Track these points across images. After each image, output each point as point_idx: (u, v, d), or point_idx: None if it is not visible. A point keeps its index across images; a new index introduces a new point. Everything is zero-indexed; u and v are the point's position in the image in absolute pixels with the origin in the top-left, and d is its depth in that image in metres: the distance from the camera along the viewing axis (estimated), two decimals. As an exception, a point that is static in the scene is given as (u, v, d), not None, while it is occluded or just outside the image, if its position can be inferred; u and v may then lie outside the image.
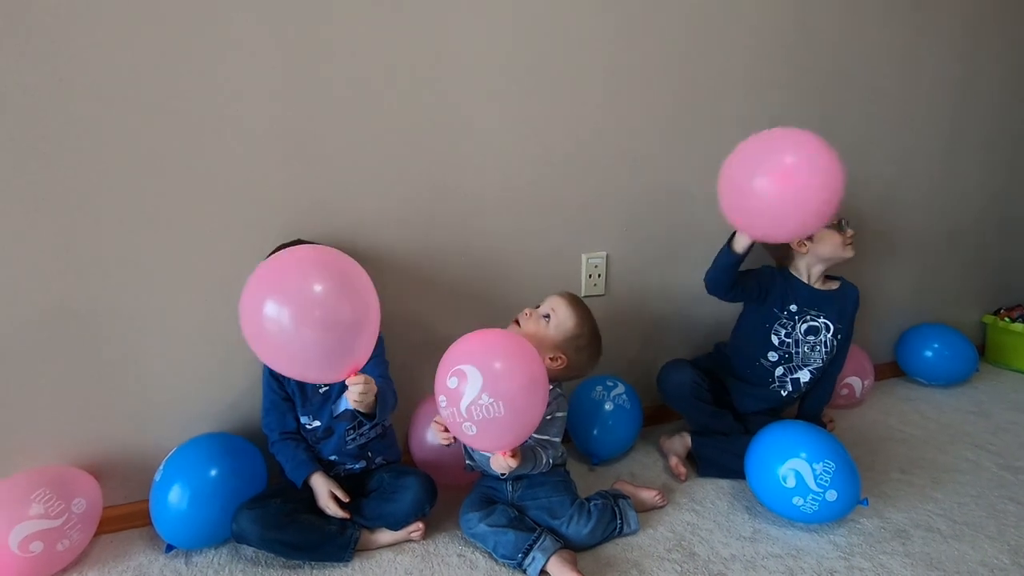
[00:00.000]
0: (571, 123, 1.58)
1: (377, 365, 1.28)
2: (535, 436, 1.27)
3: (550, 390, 1.34)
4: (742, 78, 1.76)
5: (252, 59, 1.26)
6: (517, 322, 1.34)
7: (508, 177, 1.53)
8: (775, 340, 1.59)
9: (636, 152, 1.67)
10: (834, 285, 1.65)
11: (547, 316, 1.33)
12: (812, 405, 1.66)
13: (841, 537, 1.31)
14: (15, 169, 1.14)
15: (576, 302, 1.37)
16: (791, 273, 1.64)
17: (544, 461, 1.25)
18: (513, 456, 1.12)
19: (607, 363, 1.71)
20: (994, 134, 2.25)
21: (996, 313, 2.38)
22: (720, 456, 1.53)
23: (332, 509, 1.22)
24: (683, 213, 1.76)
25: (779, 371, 1.60)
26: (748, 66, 1.76)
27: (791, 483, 1.28)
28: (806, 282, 1.62)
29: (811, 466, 1.27)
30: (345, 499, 1.23)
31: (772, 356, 1.60)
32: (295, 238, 1.31)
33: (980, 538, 1.31)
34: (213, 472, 1.22)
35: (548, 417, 1.31)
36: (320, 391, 1.30)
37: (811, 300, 1.60)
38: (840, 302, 1.62)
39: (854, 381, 1.93)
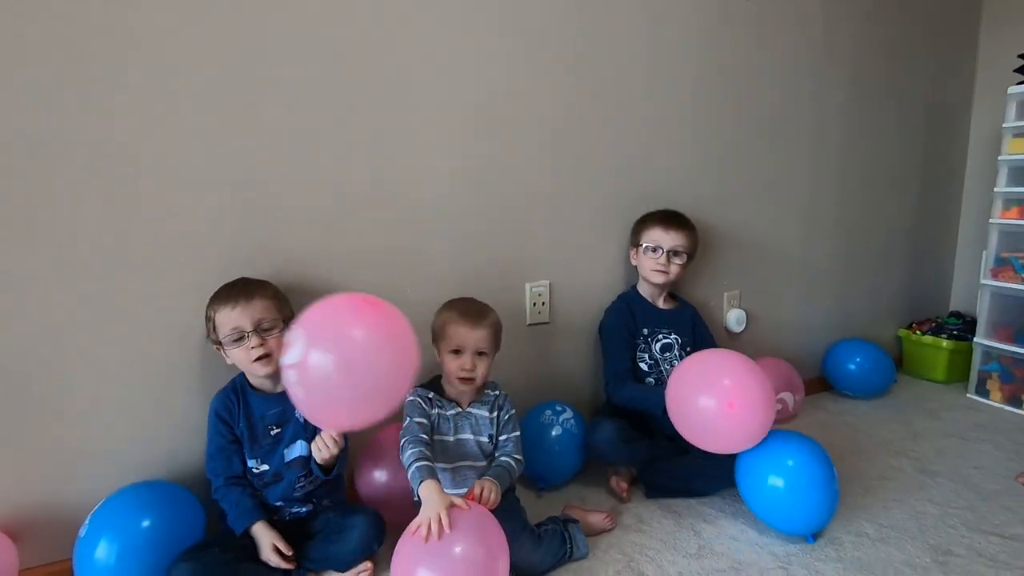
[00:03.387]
0: (515, 154, 1.63)
1: None
2: (512, 455, 1.35)
3: (493, 392, 1.41)
4: (686, 123, 1.88)
5: (189, 97, 1.25)
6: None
7: (450, 208, 1.56)
8: (644, 367, 1.71)
9: (578, 183, 1.74)
10: (675, 304, 1.81)
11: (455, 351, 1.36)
12: None
13: (780, 547, 1.37)
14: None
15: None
16: (638, 294, 1.78)
17: (516, 472, 1.34)
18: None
19: (555, 389, 1.75)
20: (899, 170, 2.48)
21: (909, 327, 2.57)
22: (665, 478, 1.58)
23: (275, 561, 1.17)
24: (624, 242, 1.83)
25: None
26: (692, 111, 1.89)
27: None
28: (651, 303, 1.77)
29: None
30: (288, 552, 1.19)
31: (650, 380, 1.71)
32: (238, 277, 1.28)
33: (904, 540, 1.39)
34: (145, 523, 1.15)
35: (506, 416, 1.39)
36: (272, 434, 1.26)
37: (658, 320, 1.75)
38: (683, 319, 1.78)
39: (787, 396, 2.04)
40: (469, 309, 1.37)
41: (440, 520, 1.06)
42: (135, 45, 1.19)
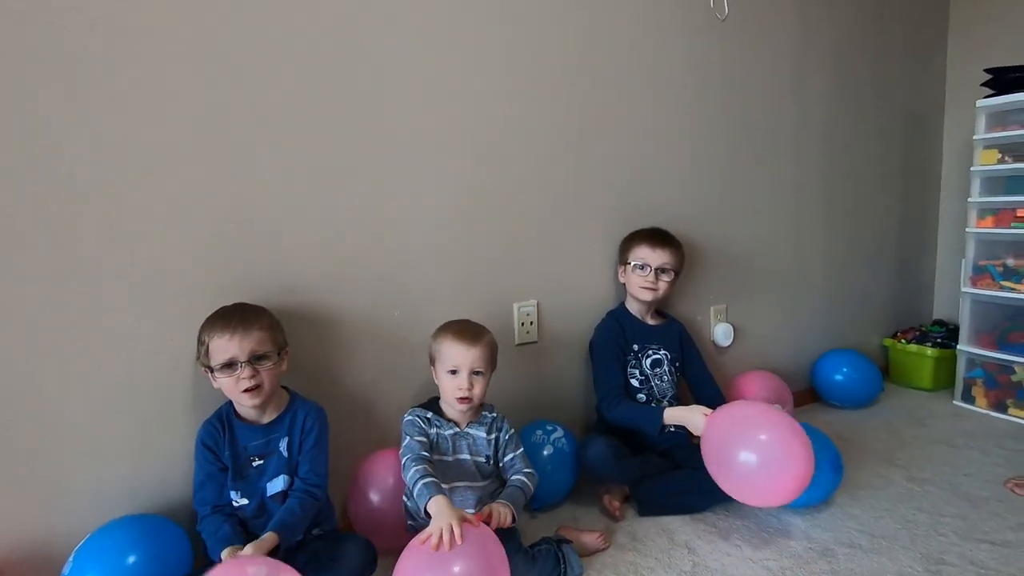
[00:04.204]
0: (499, 175, 1.65)
1: (314, 457, 1.27)
2: (522, 472, 1.37)
3: (491, 414, 1.43)
4: (670, 135, 1.92)
5: (182, 124, 1.25)
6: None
7: (436, 229, 1.57)
8: (635, 383, 1.72)
9: (564, 203, 1.76)
10: (662, 320, 1.84)
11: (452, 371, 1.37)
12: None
13: (774, 562, 1.37)
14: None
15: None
16: (627, 311, 1.80)
17: (531, 487, 1.36)
18: None
19: (545, 408, 1.75)
20: (881, 179, 2.53)
21: (894, 336, 2.61)
22: (658, 495, 1.58)
23: None
24: (611, 260, 1.85)
25: (654, 405, 1.72)
26: (676, 130, 1.93)
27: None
28: (640, 319, 1.79)
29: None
30: None
31: (641, 396, 1.72)
32: (233, 302, 1.27)
33: (895, 549, 1.40)
34: (131, 559, 1.13)
35: (506, 436, 1.41)
36: (254, 465, 1.25)
37: (647, 336, 1.77)
38: (670, 334, 1.81)
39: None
40: (465, 329, 1.39)
41: (451, 530, 1.06)
42: (128, 71, 1.20)
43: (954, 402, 2.33)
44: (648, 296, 1.73)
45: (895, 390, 2.50)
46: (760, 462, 1.35)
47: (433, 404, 1.42)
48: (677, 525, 1.53)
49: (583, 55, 1.76)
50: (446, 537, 1.06)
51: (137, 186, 1.23)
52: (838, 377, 2.29)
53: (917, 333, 2.57)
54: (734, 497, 1.44)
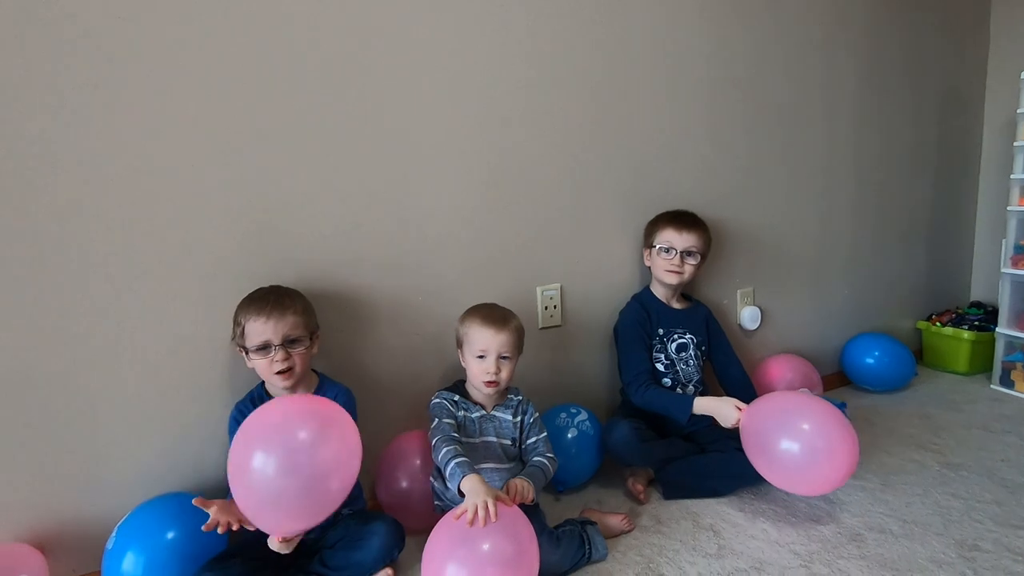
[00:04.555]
0: (525, 157, 1.64)
1: None
2: (544, 455, 1.38)
3: (516, 397, 1.44)
4: (694, 121, 1.88)
5: (210, 114, 1.28)
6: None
7: (461, 212, 1.58)
8: (660, 367, 1.70)
9: (587, 184, 1.74)
10: (687, 303, 1.81)
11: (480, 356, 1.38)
12: (743, 394, 1.70)
13: (801, 546, 1.36)
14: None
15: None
16: (652, 295, 1.78)
17: (551, 470, 1.37)
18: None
19: (568, 391, 1.76)
20: (913, 158, 2.45)
21: (929, 319, 2.53)
22: (684, 479, 1.57)
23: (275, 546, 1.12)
24: (635, 243, 1.83)
25: (679, 391, 1.71)
26: (701, 110, 1.88)
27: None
28: (665, 303, 1.76)
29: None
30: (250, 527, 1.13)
31: (667, 381, 1.70)
32: (263, 285, 1.31)
33: (928, 535, 1.37)
34: (170, 535, 1.18)
35: (531, 420, 1.43)
36: None
37: (673, 320, 1.75)
38: (696, 318, 1.78)
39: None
40: (492, 314, 1.40)
41: (487, 507, 1.08)
42: (153, 64, 1.22)
43: (991, 386, 2.26)
44: (674, 280, 1.71)
45: (929, 374, 2.44)
46: (808, 451, 1.36)
47: (459, 387, 1.44)
48: (702, 508, 1.52)
49: (604, 40, 1.72)
50: (481, 514, 1.07)
51: (170, 175, 1.26)
52: (869, 360, 2.24)
53: (953, 316, 2.50)
54: (779, 487, 1.45)
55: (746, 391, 1.74)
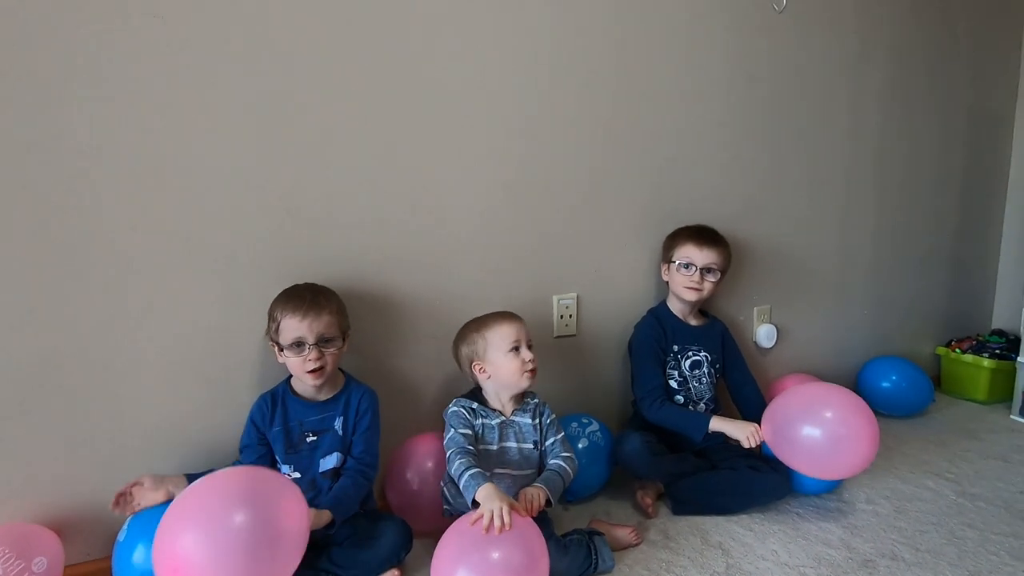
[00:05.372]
0: (546, 167, 1.65)
1: (368, 439, 1.32)
2: (560, 456, 1.38)
3: (532, 400, 1.44)
4: (715, 135, 1.88)
5: (244, 111, 1.30)
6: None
7: (481, 219, 1.59)
8: (673, 384, 1.69)
9: (608, 195, 1.75)
10: (704, 320, 1.79)
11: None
12: (756, 412, 1.68)
13: (811, 569, 1.34)
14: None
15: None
16: (668, 310, 1.76)
17: (570, 471, 1.36)
18: None
19: (581, 401, 1.75)
20: (938, 178, 2.42)
21: (948, 345, 2.50)
22: (694, 495, 1.56)
23: None
24: (652, 255, 1.83)
25: (691, 408, 1.70)
26: (722, 123, 1.89)
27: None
28: (682, 320, 1.74)
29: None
30: None
31: (679, 398, 1.69)
32: (292, 278, 1.33)
33: (941, 565, 1.35)
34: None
35: (548, 421, 1.42)
36: (307, 440, 1.29)
37: (688, 337, 1.73)
38: (712, 335, 1.76)
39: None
40: (503, 312, 1.43)
41: (502, 514, 1.08)
42: (183, 58, 1.25)
43: (1012, 416, 2.22)
44: (692, 296, 1.70)
45: (947, 401, 2.40)
46: (829, 436, 1.42)
47: (477, 394, 1.43)
48: (711, 525, 1.51)
49: (630, 46, 1.73)
50: (496, 522, 1.07)
51: (199, 168, 1.29)
52: (885, 384, 2.21)
53: (974, 343, 2.46)
54: (800, 471, 1.48)
55: (760, 410, 1.72)
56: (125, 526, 1.20)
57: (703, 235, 1.72)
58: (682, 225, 1.78)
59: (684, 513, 1.56)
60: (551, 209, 1.68)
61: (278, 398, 1.31)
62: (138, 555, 1.16)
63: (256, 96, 1.32)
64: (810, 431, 1.43)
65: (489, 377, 1.39)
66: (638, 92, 1.76)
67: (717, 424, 1.55)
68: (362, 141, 1.43)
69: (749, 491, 1.52)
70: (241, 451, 1.30)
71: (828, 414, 1.44)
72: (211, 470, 1.14)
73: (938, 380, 2.50)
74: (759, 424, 1.52)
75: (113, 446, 1.28)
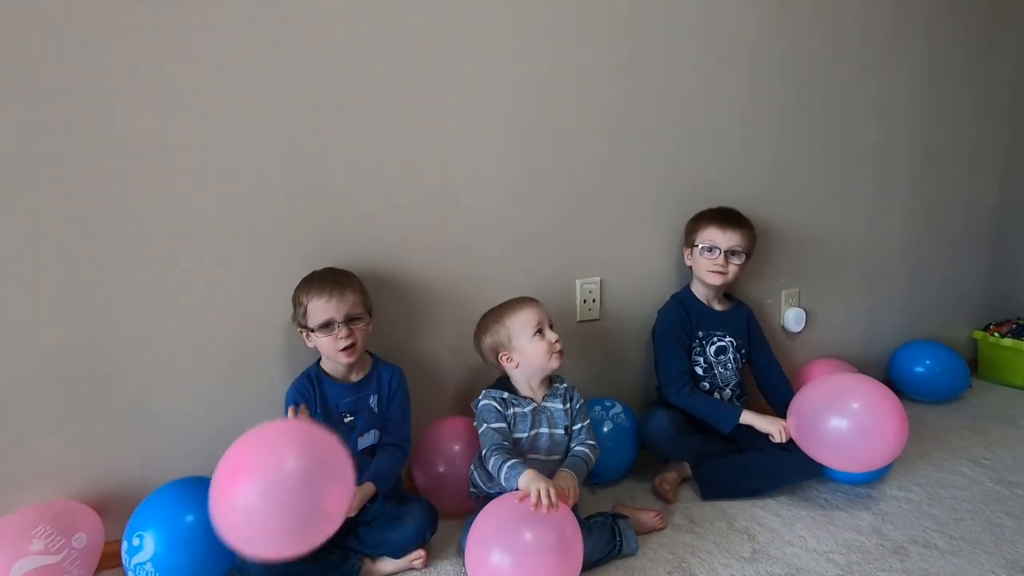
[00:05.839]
0: (566, 150, 1.63)
1: (403, 414, 1.36)
2: (585, 443, 1.38)
3: (561, 385, 1.44)
4: (736, 111, 1.83)
5: (272, 100, 1.31)
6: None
7: (503, 203, 1.58)
8: (698, 371, 1.66)
9: (630, 178, 1.72)
10: (729, 304, 1.75)
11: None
12: (782, 398, 1.67)
13: (840, 555, 1.32)
14: (31, 209, 1.19)
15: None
16: (693, 295, 1.72)
17: (593, 458, 1.37)
18: None
19: (604, 385, 1.74)
20: (977, 154, 2.32)
21: (986, 328, 2.41)
22: (722, 477, 1.54)
23: None
24: (676, 237, 1.80)
25: (716, 395, 1.67)
26: (745, 98, 1.84)
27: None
28: (707, 304, 1.70)
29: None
30: None
31: (704, 384, 1.66)
32: (313, 265, 1.35)
33: (977, 553, 1.32)
34: (188, 518, 1.20)
35: (577, 406, 1.42)
36: (345, 422, 1.32)
37: (713, 322, 1.69)
38: (737, 320, 1.72)
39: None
40: (520, 298, 1.42)
41: (548, 492, 1.10)
42: (210, 46, 1.27)
43: (1052, 403, 2.15)
44: (717, 280, 1.66)
45: (984, 386, 2.32)
46: (856, 427, 1.38)
47: (506, 384, 1.42)
48: (736, 510, 1.49)
49: (648, 23, 1.68)
50: (545, 500, 1.09)
51: (226, 158, 1.31)
52: (919, 369, 2.15)
53: (1013, 326, 2.37)
54: (829, 465, 1.45)
55: (786, 396, 1.69)
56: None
57: (726, 217, 1.67)
58: (706, 207, 1.74)
59: (713, 498, 1.54)
60: (574, 193, 1.66)
61: (314, 381, 1.33)
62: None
63: (279, 85, 1.33)
64: (837, 423, 1.39)
65: (517, 366, 1.38)
66: (660, 76, 1.71)
67: (747, 418, 1.52)
68: (385, 127, 1.43)
69: (779, 472, 1.51)
70: None
71: (855, 405, 1.40)
72: None
73: (974, 365, 2.43)
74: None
75: (147, 428, 1.32)
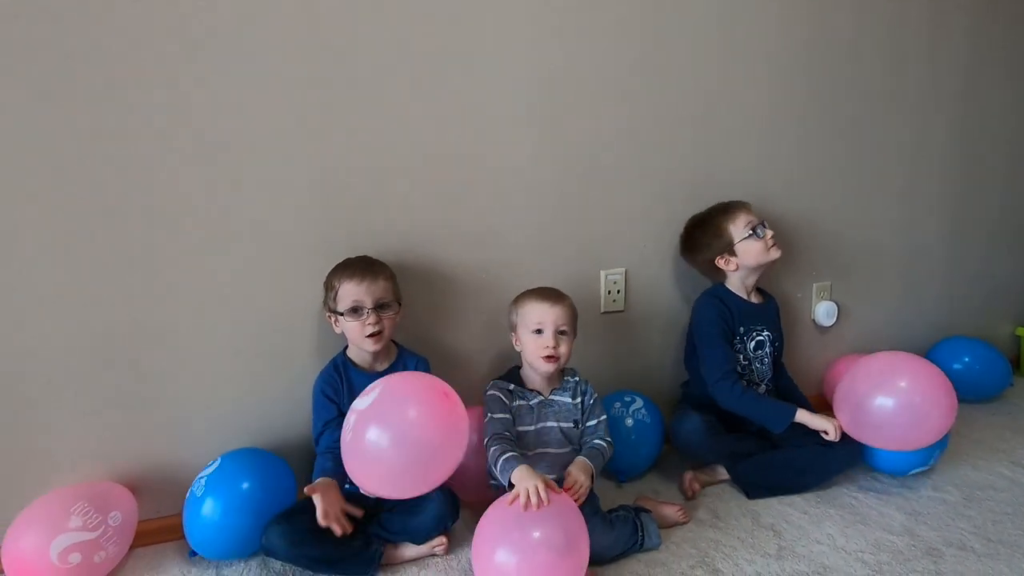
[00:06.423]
0: (591, 142, 1.61)
1: None
2: (602, 439, 1.38)
3: (573, 379, 1.43)
4: (762, 97, 1.78)
5: (299, 92, 1.33)
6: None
7: (528, 194, 1.57)
8: (738, 368, 1.60)
9: (656, 168, 1.69)
10: (763, 298, 1.69)
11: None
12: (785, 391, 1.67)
13: (870, 555, 1.29)
14: (65, 197, 1.22)
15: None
16: (729, 291, 1.64)
17: (608, 454, 1.37)
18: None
19: (627, 378, 1.73)
20: (1017, 145, 2.22)
21: (1030, 325, 2.32)
22: (764, 476, 1.51)
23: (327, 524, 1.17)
24: (701, 228, 1.77)
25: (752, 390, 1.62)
26: (769, 85, 1.78)
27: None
28: (745, 298, 1.64)
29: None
30: (357, 513, 1.22)
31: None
32: (342, 254, 1.37)
33: (1017, 557, 1.27)
34: (245, 486, 1.26)
35: (591, 401, 1.41)
36: None
37: (752, 316, 1.63)
38: (771, 313, 1.68)
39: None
40: (546, 290, 1.41)
41: (538, 492, 1.09)
42: (238, 40, 1.29)
43: (1100, 403, 2.05)
44: (778, 252, 1.58)
45: (1026, 385, 2.24)
46: (904, 404, 1.41)
47: (515, 374, 1.42)
48: (762, 507, 1.47)
49: (673, 13, 1.65)
50: (534, 499, 1.08)
51: (255, 148, 1.33)
52: (957, 366, 2.07)
53: (1059, 324, 2.27)
54: (875, 445, 1.46)
55: (788, 388, 1.69)
56: (203, 481, 1.26)
57: (737, 205, 1.64)
58: (734, 200, 1.67)
59: (759, 497, 1.49)
60: (599, 184, 1.64)
61: (340, 370, 1.34)
62: (207, 507, 1.23)
63: (306, 76, 1.34)
64: (883, 402, 1.42)
65: (520, 351, 1.40)
66: (687, 66, 1.68)
67: (801, 416, 1.48)
68: (411, 118, 1.43)
69: (823, 465, 1.48)
70: (321, 432, 1.33)
71: (902, 383, 1.43)
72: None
73: (1016, 362, 2.33)
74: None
75: (180, 413, 1.36)
